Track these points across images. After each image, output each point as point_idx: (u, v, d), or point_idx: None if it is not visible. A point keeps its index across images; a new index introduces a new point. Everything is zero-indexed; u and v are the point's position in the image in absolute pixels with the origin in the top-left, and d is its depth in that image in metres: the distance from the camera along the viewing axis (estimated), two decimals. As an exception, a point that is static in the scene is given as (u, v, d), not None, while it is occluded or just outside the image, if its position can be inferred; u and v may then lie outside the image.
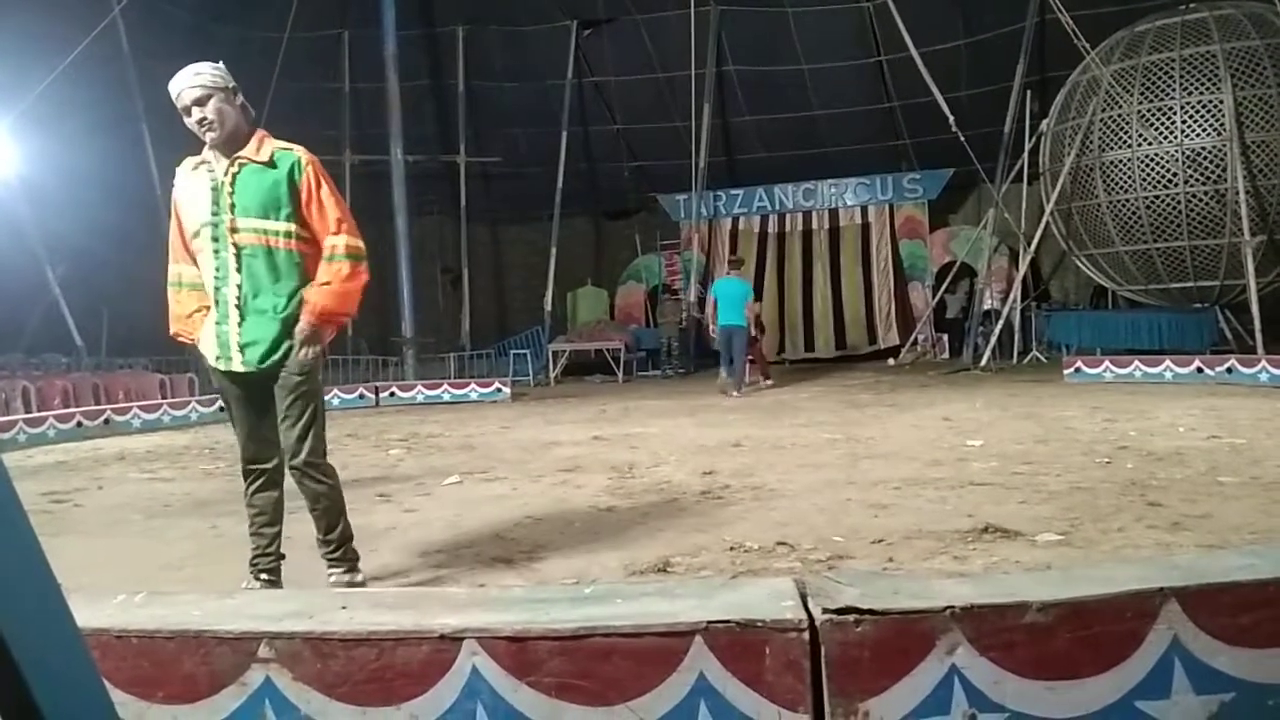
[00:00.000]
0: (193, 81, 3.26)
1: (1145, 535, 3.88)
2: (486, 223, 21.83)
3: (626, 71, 19.22)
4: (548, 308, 18.69)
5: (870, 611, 1.70)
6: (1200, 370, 11.48)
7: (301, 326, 3.33)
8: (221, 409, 4.16)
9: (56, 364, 12.85)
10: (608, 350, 17.30)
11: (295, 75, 16.56)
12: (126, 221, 14.50)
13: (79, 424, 10.04)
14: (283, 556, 3.54)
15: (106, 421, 10.37)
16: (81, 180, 13.22)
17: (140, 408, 10.99)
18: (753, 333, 12.92)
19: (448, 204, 20.43)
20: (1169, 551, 3.59)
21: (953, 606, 1.71)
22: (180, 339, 3.55)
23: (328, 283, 3.34)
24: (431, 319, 18.99)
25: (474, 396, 13.79)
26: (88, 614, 1.87)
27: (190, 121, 3.29)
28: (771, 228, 20.13)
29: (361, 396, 13.31)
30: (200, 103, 3.25)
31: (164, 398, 12.09)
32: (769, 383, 13.76)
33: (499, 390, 13.85)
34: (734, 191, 20.14)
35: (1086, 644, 1.71)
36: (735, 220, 20.25)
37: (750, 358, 13.22)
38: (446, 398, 13.82)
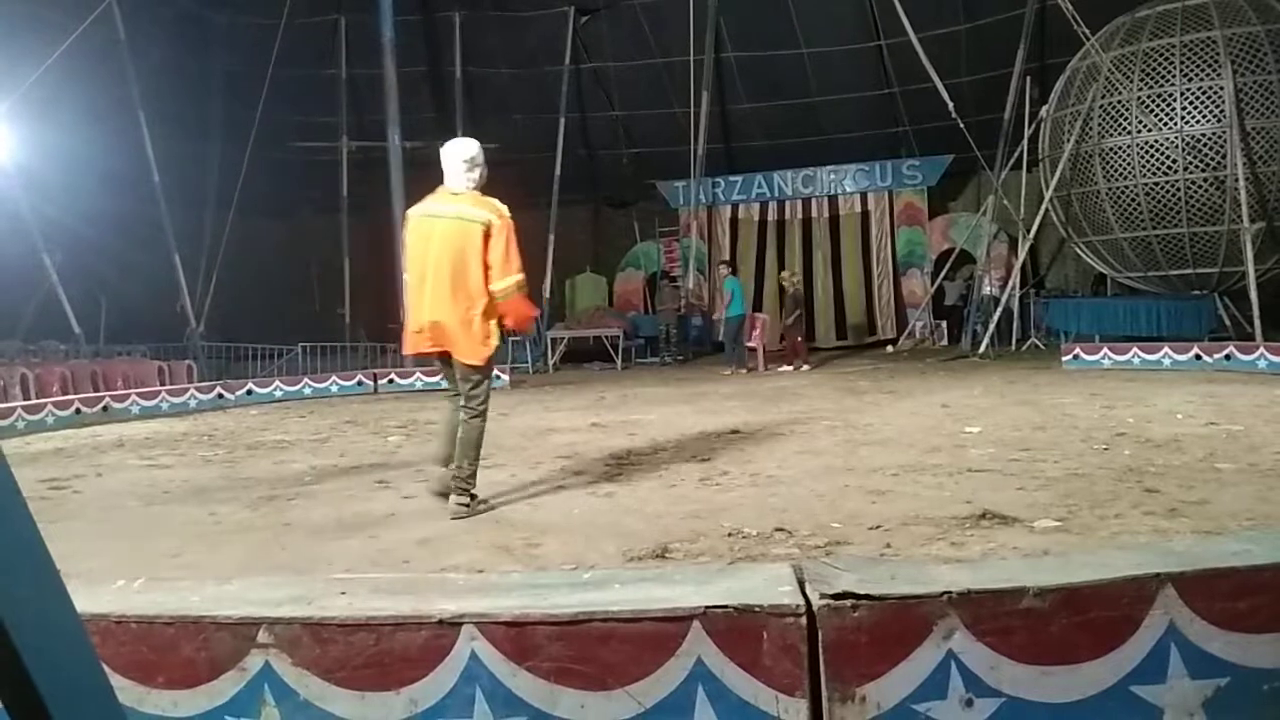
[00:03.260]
0: None
1: (1142, 521, 3.89)
2: (485, 209, 21.73)
3: (625, 57, 19.11)
4: (546, 294, 18.64)
5: (867, 597, 1.71)
6: (1198, 357, 11.49)
7: None
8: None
9: (55, 351, 12.83)
10: (606, 337, 17.30)
11: (291, 62, 16.47)
12: (123, 208, 14.47)
13: (77, 411, 10.04)
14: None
15: (105, 408, 10.37)
16: (78, 167, 13.16)
17: (138, 394, 10.99)
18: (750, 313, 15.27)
19: (446, 191, 20.31)
20: (1166, 537, 3.60)
21: (950, 592, 1.71)
22: None
23: None
24: (430, 306, 18.88)
25: (473, 383, 13.76)
26: (87, 600, 1.88)
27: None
28: (771, 215, 20.08)
29: (360, 383, 13.31)
30: None
31: (162, 384, 12.07)
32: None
33: (498, 377, 13.82)
34: (733, 178, 20.09)
35: (1083, 629, 1.71)
36: (735, 207, 20.20)
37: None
38: (445, 384, 13.79)
